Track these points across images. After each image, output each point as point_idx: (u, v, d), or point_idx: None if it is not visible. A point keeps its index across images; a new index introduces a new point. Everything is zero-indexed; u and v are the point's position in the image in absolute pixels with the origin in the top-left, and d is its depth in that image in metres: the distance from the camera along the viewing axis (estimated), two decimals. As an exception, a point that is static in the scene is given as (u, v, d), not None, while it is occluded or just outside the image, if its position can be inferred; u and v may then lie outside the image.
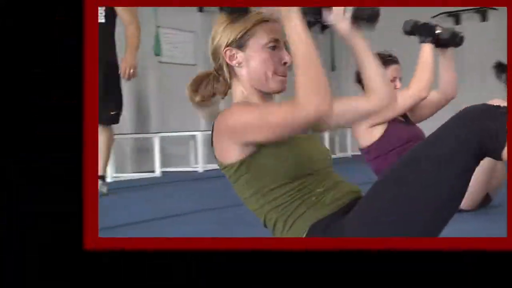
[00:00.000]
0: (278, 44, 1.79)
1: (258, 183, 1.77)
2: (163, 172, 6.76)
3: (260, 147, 1.74)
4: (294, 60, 1.63)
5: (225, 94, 1.87)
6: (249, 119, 1.68)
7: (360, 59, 1.82)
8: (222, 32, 1.81)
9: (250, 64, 1.80)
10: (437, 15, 9.18)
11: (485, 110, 1.70)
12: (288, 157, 1.75)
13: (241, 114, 1.70)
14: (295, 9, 1.63)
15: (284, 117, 1.62)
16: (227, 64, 1.82)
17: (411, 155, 1.73)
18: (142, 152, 7.35)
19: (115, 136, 6.26)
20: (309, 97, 1.58)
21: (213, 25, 1.84)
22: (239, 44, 1.79)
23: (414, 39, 3.27)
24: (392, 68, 3.29)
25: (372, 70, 1.81)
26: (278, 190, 1.77)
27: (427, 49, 3.22)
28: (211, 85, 1.85)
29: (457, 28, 9.07)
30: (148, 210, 4.02)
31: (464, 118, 1.70)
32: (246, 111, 1.70)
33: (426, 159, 1.68)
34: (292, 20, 1.63)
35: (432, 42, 3.22)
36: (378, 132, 3.26)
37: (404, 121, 3.37)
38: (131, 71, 4.67)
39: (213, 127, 1.79)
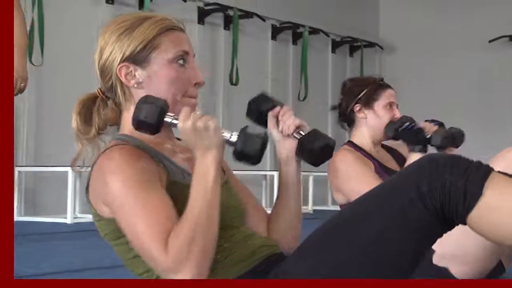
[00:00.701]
0: (187, 58, 1.62)
1: None
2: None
3: None
4: (188, 211, 1.45)
5: (118, 123, 1.66)
6: (120, 193, 1.47)
7: (291, 194, 1.71)
8: (116, 42, 1.60)
9: (153, 84, 1.60)
10: (496, 39, 8.36)
11: (452, 161, 1.48)
12: None
13: (117, 177, 1.48)
14: (219, 143, 1.47)
15: (143, 241, 1.44)
16: (122, 85, 1.61)
17: (357, 205, 1.58)
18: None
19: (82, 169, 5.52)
20: (181, 258, 1.41)
21: (100, 33, 1.62)
22: (139, 58, 1.59)
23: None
24: (388, 93, 3.04)
25: (293, 212, 1.72)
26: None
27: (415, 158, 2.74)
28: (102, 112, 1.65)
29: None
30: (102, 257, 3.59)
31: (424, 168, 1.49)
32: (124, 177, 1.47)
33: (374, 211, 1.51)
34: (209, 154, 1.47)
35: (423, 150, 2.89)
36: None
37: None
38: (21, 85, 3.22)
39: (93, 164, 1.56)
